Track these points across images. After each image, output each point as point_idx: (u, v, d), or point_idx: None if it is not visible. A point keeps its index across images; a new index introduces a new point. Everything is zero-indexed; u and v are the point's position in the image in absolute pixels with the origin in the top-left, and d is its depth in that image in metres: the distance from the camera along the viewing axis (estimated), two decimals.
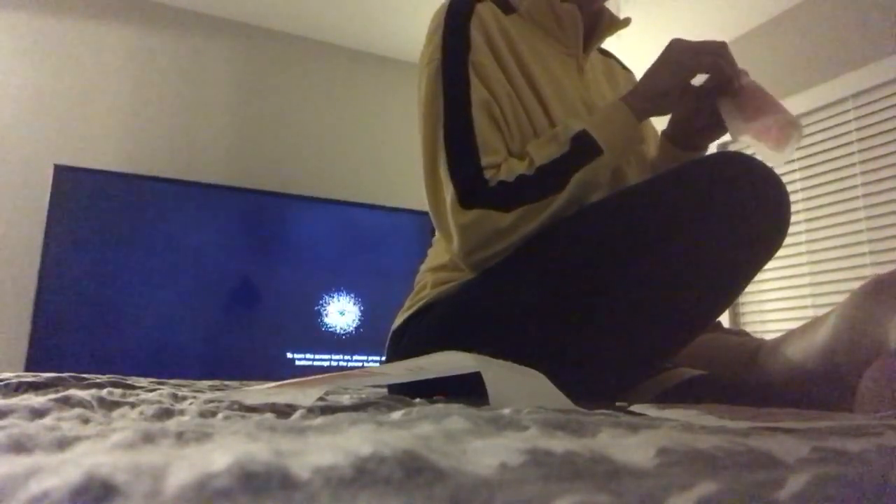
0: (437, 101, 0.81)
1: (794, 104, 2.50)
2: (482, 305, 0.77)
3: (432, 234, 0.93)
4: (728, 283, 0.72)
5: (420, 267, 0.95)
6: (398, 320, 0.90)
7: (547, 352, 0.70)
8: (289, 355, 2.42)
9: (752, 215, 0.67)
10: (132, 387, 0.74)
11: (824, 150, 2.42)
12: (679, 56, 0.79)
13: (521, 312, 0.73)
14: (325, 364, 2.46)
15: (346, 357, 2.51)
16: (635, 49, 2.61)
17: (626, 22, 0.96)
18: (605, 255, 0.70)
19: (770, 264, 0.76)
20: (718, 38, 0.74)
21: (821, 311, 0.78)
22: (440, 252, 0.89)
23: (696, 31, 2.76)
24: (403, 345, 0.84)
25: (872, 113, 2.27)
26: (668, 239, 0.67)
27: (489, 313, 0.75)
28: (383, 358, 0.90)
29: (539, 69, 0.86)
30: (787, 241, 2.35)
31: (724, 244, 0.67)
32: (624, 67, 1.12)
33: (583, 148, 0.77)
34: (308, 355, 2.45)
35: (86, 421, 0.39)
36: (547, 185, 0.76)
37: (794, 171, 2.51)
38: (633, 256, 0.68)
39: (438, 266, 0.88)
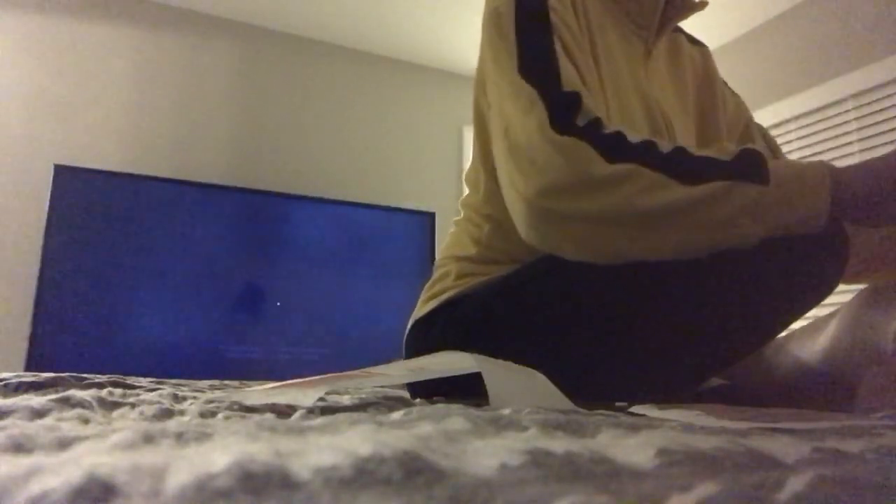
0: (509, 38, 0.69)
1: (794, 104, 2.50)
2: (523, 309, 0.71)
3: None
4: (772, 323, 0.69)
5: (441, 251, 0.88)
6: (421, 309, 0.83)
7: (584, 361, 0.67)
8: (288, 355, 2.42)
9: (810, 270, 0.65)
10: (132, 387, 0.74)
11: (824, 151, 2.42)
12: None
13: (559, 322, 0.68)
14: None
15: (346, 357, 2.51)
16: None
17: (704, 4, 0.85)
18: (652, 274, 0.64)
19: None
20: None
21: (822, 312, 0.78)
22: (465, 241, 0.83)
23: (696, 32, 2.75)
24: (433, 337, 0.78)
25: (872, 113, 2.27)
26: (723, 273, 0.62)
27: (529, 319, 0.70)
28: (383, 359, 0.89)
29: (602, 47, 0.76)
30: None
31: (773, 292, 0.64)
32: (693, 41, 0.98)
33: (747, 164, 0.58)
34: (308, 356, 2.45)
35: (86, 421, 0.39)
36: (676, 166, 0.58)
37: None
38: (678, 279, 0.63)
39: (464, 256, 0.82)
